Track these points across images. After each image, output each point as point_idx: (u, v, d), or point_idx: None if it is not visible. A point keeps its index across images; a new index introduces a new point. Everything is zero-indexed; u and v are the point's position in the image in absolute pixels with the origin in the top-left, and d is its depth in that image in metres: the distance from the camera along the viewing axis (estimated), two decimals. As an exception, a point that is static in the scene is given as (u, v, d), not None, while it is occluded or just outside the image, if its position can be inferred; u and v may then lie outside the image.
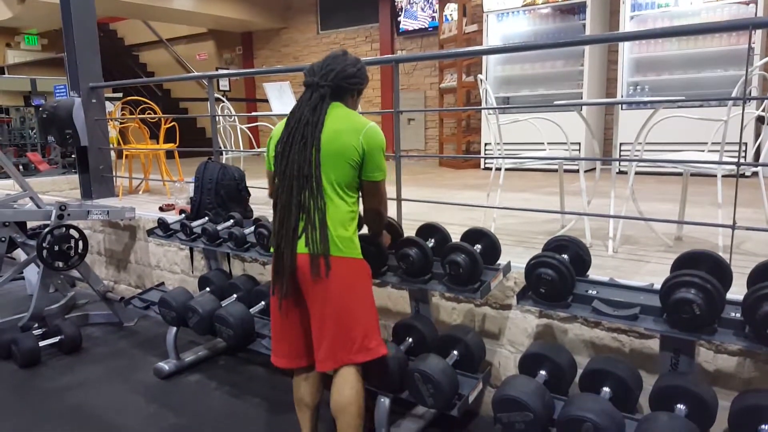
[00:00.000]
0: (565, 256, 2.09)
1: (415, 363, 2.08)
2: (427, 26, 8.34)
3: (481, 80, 3.12)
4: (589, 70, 6.08)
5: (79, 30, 4.64)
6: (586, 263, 2.16)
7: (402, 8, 8.61)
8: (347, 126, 1.90)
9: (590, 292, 2.02)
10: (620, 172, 2.89)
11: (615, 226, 2.77)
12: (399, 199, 3.08)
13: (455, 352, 2.22)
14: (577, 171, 3.04)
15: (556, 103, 2.84)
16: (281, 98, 4.14)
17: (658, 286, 1.85)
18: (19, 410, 2.69)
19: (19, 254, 4.18)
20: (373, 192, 2.00)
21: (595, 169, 3.42)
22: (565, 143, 3.35)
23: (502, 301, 2.42)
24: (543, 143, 3.49)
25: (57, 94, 5.16)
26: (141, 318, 3.84)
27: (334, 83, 1.91)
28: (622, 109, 5.46)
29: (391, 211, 3.16)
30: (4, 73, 11.97)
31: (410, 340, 2.33)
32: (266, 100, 6.31)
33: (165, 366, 2.99)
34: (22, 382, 2.99)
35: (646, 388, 1.92)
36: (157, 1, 8.88)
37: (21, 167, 8.26)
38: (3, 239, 3.53)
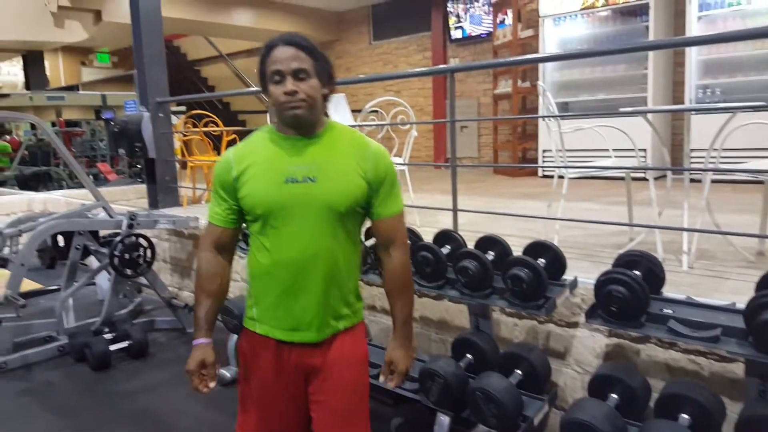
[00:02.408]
0: (638, 272, 1.98)
1: (476, 381, 2.03)
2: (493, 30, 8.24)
3: (543, 89, 3.04)
4: (653, 74, 5.82)
5: (149, 49, 4.85)
6: (660, 280, 2.05)
7: (464, 13, 8.52)
8: None
9: (665, 311, 1.91)
10: (693, 180, 2.73)
11: (690, 239, 2.62)
12: (455, 210, 3.03)
13: (519, 371, 2.14)
14: (644, 179, 2.90)
15: (621, 110, 2.72)
16: (337, 109, 4.18)
17: (740, 305, 1.73)
18: (92, 411, 2.82)
19: (92, 261, 4.38)
20: None
21: (665, 176, 3.25)
22: (629, 149, 3.21)
23: (568, 319, 2.33)
24: (607, 149, 3.35)
25: (127, 109, 5.41)
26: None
27: None
28: (693, 113, 5.19)
29: (448, 222, 3.12)
30: (78, 90, 12.73)
31: (470, 356, 2.27)
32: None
33: (227, 373, 3.04)
34: (95, 384, 3.13)
35: (730, 416, 1.79)
36: (218, 18, 9.23)
37: (91, 177, 8.73)
38: (78, 247, 3.72)
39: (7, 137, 11.40)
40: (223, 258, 1.54)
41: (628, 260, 2.08)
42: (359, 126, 3.96)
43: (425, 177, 7.02)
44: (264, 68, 1.43)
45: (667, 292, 2.07)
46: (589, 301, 2.23)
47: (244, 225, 1.54)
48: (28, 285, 4.39)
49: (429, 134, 9.00)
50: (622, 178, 3.18)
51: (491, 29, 8.08)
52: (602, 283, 1.93)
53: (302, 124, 1.44)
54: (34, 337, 3.56)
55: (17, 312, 3.26)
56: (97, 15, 8.42)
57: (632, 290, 1.87)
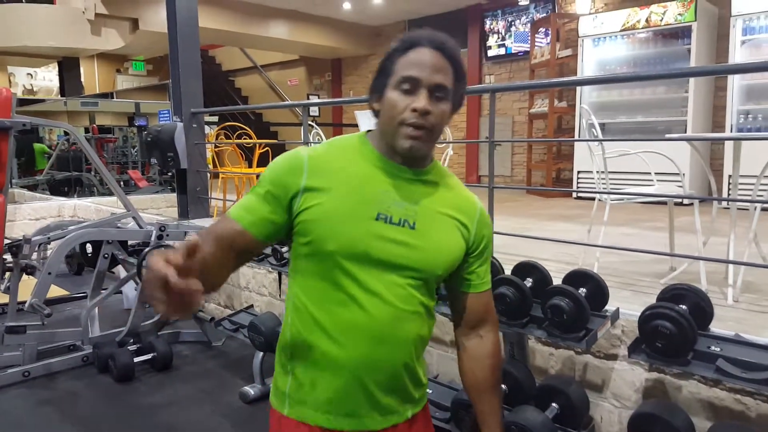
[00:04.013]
0: (684, 307, 1.89)
1: (511, 414, 1.94)
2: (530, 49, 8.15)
3: (588, 112, 2.95)
4: (694, 97, 5.69)
5: (185, 59, 4.89)
6: (708, 316, 1.95)
7: (504, 30, 8.47)
8: None
9: (714, 348, 1.81)
10: (740, 209, 2.62)
11: (735, 271, 2.50)
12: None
13: (555, 405, 2.05)
14: (683, 204, 2.80)
15: (667, 136, 2.64)
16: (371, 125, 4.16)
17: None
18: (114, 423, 2.79)
19: (119, 270, 4.41)
20: None
21: (711, 202, 3.13)
22: (669, 173, 3.11)
23: (606, 350, 2.23)
24: (648, 173, 3.24)
25: (161, 119, 5.48)
26: (228, 338, 3.91)
27: None
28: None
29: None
30: (113, 97, 13.04)
31: (504, 387, 2.18)
32: (353, 125, 6.42)
33: (251, 390, 3.00)
34: (118, 396, 3.10)
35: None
36: (254, 29, 9.35)
37: (122, 183, 8.86)
38: (106, 256, 3.73)
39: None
40: (231, 253, 1.09)
41: (674, 293, 1.99)
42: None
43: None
44: (391, 66, 1.09)
45: (713, 327, 1.97)
46: (629, 332, 2.14)
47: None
48: (54, 291, 4.43)
49: (461, 150, 8.95)
50: (663, 203, 3.07)
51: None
52: (647, 318, 1.84)
53: (415, 159, 1.13)
54: (59, 345, 3.56)
55: (42, 320, 3.27)
56: (134, 23, 8.59)
57: (679, 326, 1.78)
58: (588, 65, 6.44)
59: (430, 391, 2.38)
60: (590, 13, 6.81)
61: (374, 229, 1.08)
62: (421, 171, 1.15)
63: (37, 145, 10.83)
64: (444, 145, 4.10)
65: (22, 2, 8.21)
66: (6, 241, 3.43)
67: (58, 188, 9.47)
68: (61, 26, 8.21)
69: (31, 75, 14.58)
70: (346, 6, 9.22)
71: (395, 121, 1.07)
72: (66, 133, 9.89)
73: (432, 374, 2.72)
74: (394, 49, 1.10)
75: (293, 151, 1.14)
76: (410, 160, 1.13)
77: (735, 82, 5.38)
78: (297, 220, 1.09)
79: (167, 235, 3.64)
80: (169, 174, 8.11)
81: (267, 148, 5.62)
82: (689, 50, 5.73)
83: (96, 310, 3.75)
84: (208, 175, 5.38)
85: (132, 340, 3.61)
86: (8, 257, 3.54)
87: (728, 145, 4.87)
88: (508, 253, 2.98)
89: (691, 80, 5.67)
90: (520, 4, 8.09)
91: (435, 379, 2.58)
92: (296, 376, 1.13)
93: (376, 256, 1.07)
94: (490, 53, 8.65)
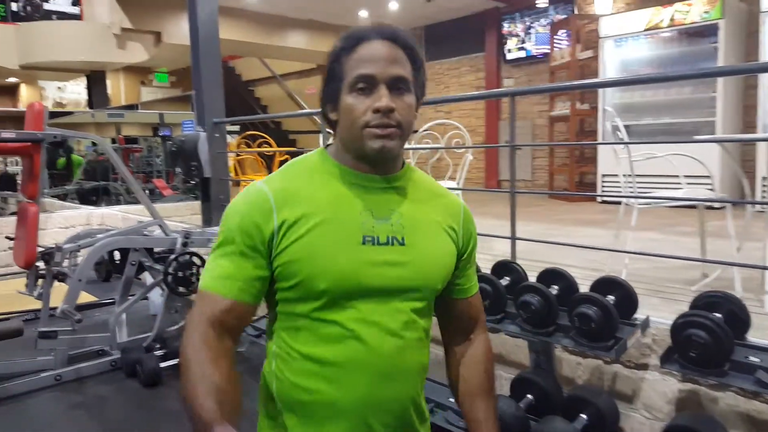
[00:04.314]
0: (719, 315, 1.82)
1: (539, 425, 1.90)
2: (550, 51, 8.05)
3: (612, 114, 2.90)
4: (723, 97, 5.53)
5: (206, 70, 4.96)
6: (744, 324, 1.88)
7: (523, 33, 8.40)
8: None
9: (752, 359, 1.75)
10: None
11: (772, 277, 2.41)
12: (513, 238, 2.91)
13: (584, 416, 2.00)
14: (714, 208, 2.71)
15: (696, 138, 2.56)
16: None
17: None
18: (142, 428, 2.83)
19: (146, 277, 4.46)
20: None
21: (744, 206, 3.04)
22: (698, 176, 3.02)
23: (637, 360, 2.16)
24: (676, 176, 3.16)
25: (185, 129, 5.55)
26: (251, 344, 3.91)
27: None
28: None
29: (503, 249, 2.99)
30: (137, 108, 13.31)
31: (531, 397, 2.14)
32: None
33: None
34: (145, 400, 3.14)
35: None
36: (272, 40, 9.46)
37: (147, 192, 9.00)
38: (133, 263, 3.78)
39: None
40: (228, 341, 0.97)
41: (707, 301, 1.92)
42: (412, 149, 3.92)
43: (476, 200, 6.87)
44: (340, 68, 0.97)
45: (750, 336, 1.90)
46: (660, 341, 2.08)
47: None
48: (84, 297, 4.50)
49: (480, 155, 8.88)
50: (692, 207, 2.99)
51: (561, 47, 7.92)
52: (681, 327, 1.78)
53: (387, 161, 1.00)
54: (88, 350, 3.63)
55: (73, 326, 3.33)
56: (158, 37, 8.79)
57: (715, 335, 1.71)
58: (609, 66, 6.34)
59: (452, 399, 2.35)
60: (611, 14, 6.71)
61: (363, 256, 0.96)
62: (394, 177, 1.03)
63: (74, 157, 11.11)
64: (463, 150, 4.06)
65: (52, 19, 8.45)
66: (39, 249, 3.51)
67: (86, 197, 9.67)
68: (89, 41, 8.44)
69: (61, 88, 14.96)
70: (363, 14, 9.25)
71: (357, 126, 0.95)
72: (94, 144, 10.10)
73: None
74: (340, 48, 0.98)
75: (248, 189, 1.01)
76: (381, 166, 1.01)
77: (767, 80, 5.23)
78: (276, 264, 0.96)
79: (192, 242, 3.68)
80: (193, 182, 8.22)
81: (286, 156, 5.66)
82: (716, 48, 5.59)
83: (124, 315, 3.80)
84: (230, 183, 5.43)
85: (158, 346, 3.64)
86: (41, 264, 3.62)
87: (761, 146, 4.73)
88: (532, 260, 2.92)
89: (720, 79, 5.52)
90: (538, 6, 8.02)
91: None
92: (289, 430, 0.99)
93: (370, 284, 0.96)
94: (510, 56, 8.59)
